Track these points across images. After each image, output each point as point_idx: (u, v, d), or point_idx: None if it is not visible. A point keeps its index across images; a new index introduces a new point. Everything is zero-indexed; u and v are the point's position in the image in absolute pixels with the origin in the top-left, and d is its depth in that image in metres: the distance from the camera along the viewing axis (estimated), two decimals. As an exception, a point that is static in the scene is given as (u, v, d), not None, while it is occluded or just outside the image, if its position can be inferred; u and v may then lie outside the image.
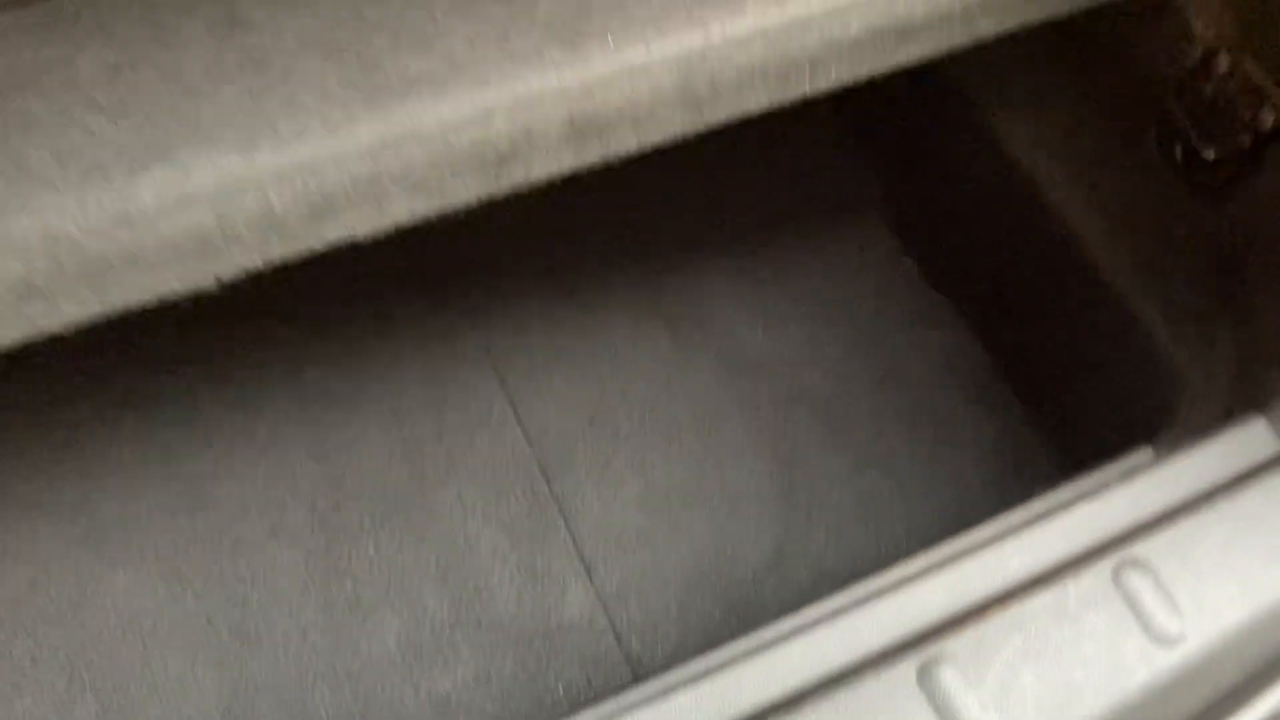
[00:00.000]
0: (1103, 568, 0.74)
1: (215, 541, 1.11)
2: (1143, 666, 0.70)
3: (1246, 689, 0.72)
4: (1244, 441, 0.83)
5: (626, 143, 0.77)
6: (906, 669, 0.68)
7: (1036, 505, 0.84)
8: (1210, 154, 0.99)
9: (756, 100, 0.81)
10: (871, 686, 0.67)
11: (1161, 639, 0.71)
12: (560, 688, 1.07)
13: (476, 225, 1.31)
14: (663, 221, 1.35)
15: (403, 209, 0.72)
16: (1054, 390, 1.22)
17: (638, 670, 1.09)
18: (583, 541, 1.15)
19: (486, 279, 1.29)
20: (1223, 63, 1.00)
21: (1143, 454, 0.93)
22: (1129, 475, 0.83)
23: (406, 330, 1.25)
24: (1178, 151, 1.02)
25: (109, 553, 1.09)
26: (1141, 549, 0.75)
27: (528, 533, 1.15)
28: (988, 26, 0.86)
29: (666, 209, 1.36)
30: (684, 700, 0.67)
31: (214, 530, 1.12)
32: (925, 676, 0.68)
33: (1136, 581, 0.74)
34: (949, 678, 0.68)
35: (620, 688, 0.76)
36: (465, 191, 0.73)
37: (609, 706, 0.71)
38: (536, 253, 1.30)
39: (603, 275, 1.30)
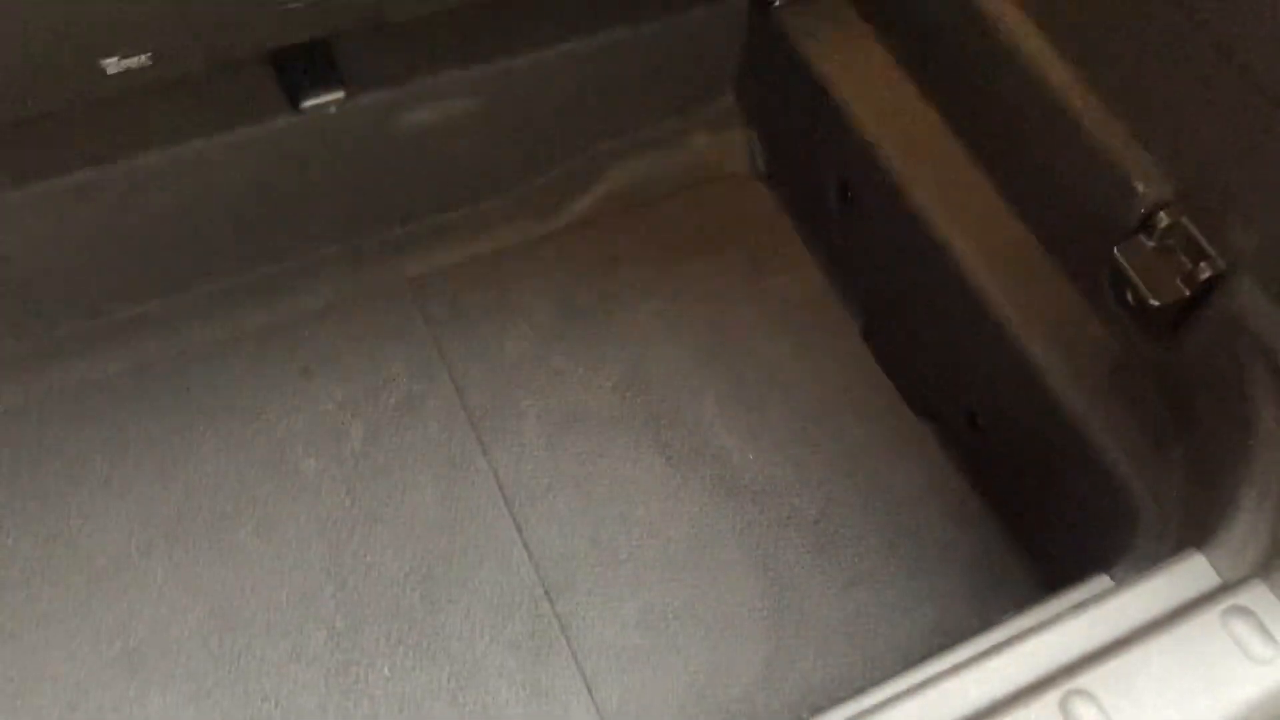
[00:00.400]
0: (1051, 698, 0.81)
1: (242, 663, 1.19)
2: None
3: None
4: (1184, 576, 0.91)
5: None
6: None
7: (998, 633, 0.91)
8: (1154, 301, 1.08)
9: None
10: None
11: (1103, 764, 0.78)
12: (563, 802, 1.14)
13: (487, 357, 1.41)
14: (659, 352, 1.45)
15: None
16: (1026, 513, 1.29)
17: (636, 784, 1.16)
18: (584, 660, 1.22)
19: (494, 410, 1.38)
20: (1163, 220, 1.10)
21: (1100, 581, 1.00)
22: (1081, 606, 0.90)
23: (420, 457, 1.34)
24: (1128, 295, 1.12)
25: (144, 675, 1.17)
26: (1087, 679, 0.82)
27: (532, 652, 1.23)
28: None
29: (663, 342, 1.45)
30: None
31: (240, 652, 1.20)
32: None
33: (1081, 710, 0.81)
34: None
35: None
36: None
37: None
38: (538, 383, 1.40)
39: (602, 404, 1.40)
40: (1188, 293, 1.07)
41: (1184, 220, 1.08)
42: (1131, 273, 1.10)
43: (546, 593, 1.26)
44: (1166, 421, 1.13)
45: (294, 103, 1.32)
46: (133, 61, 1.21)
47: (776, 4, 1.47)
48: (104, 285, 1.38)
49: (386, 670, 1.20)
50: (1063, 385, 1.19)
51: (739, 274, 1.53)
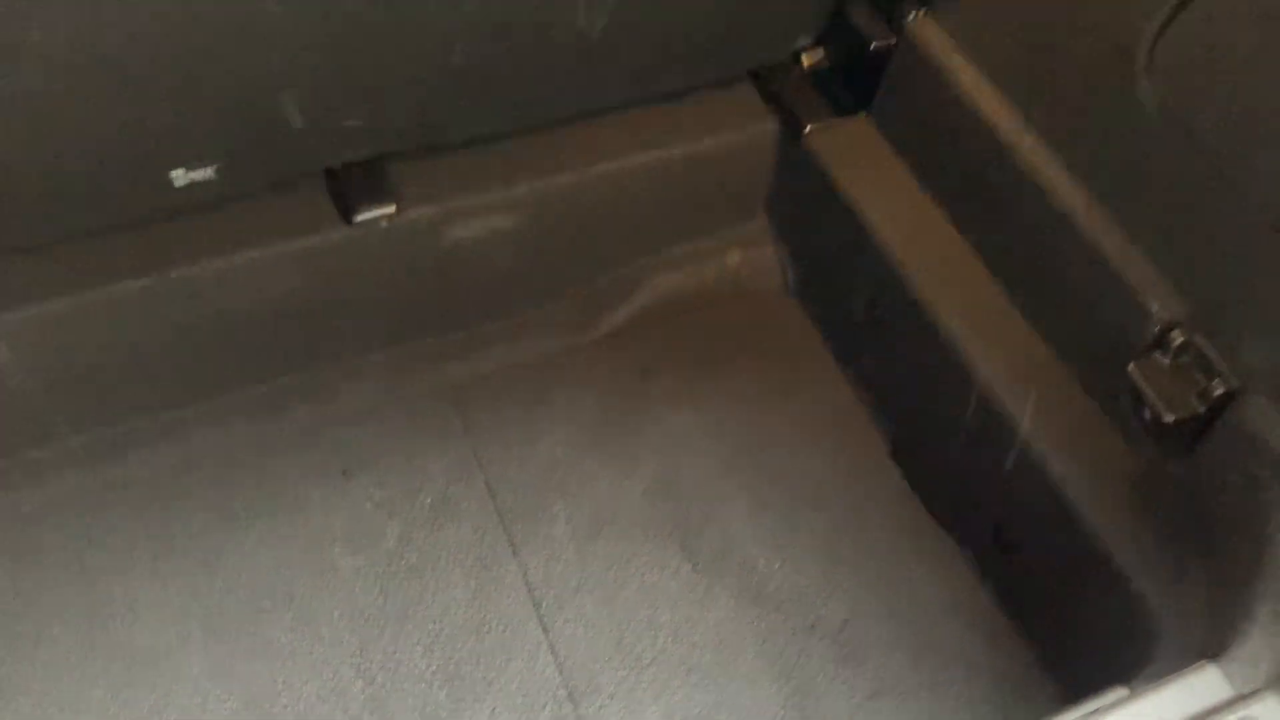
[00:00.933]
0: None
1: (271, 757, 1.21)
2: None
3: None
4: (1198, 687, 0.91)
5: None
6: None
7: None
8: (1169, 417, 1.10)
9: None
10: None
11: None
12: None
13: (522, 461, 1.46)
14: (690, 460, 1.48)
15: None
16: (1049, 628, 1.30)
17: None
18: (606, 763, 1.23)
19: (526, 512, 1.42)
20: (1177, 338, 1.13)
21: (1118, 693, 1.01)
22: (1095, 714, 0.91)
23: (452, 557, 1.38)
24: (1145, 412, 1.14)
25: (174, 764, 1.19)
26: (1098, 787, 0.83)
27: (555, 753, 1.24)
28: None
29: (694, 451, 1.49)
30: None
31: (270, 746, 1.23)
32: None
33: (1093, 818, 0.81)
34: None
35: None
36: None
37: None
38: (570, 487, 1.44)
39: (632, 509, 1.43)
40: (1202, 409, 1.10)
41: (1197, 338, 1.11)
42: (1147, 389, 1.12)
43: (570, 695, 1.28)
44: (1186, 536, 1.14)
45: (346, 217, 1.40)
46: (199, 174, 1.30)
47: (807, 130, 1.55)
48: (158, 385, 1.44)
49: (410, 766, 1.21)
50: (1083, 501, 1.21)
51: (769, 387, 1.57)
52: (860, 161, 1.52)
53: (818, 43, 1.56)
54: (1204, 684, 0.91)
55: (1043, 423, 1.26)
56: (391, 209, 1.42)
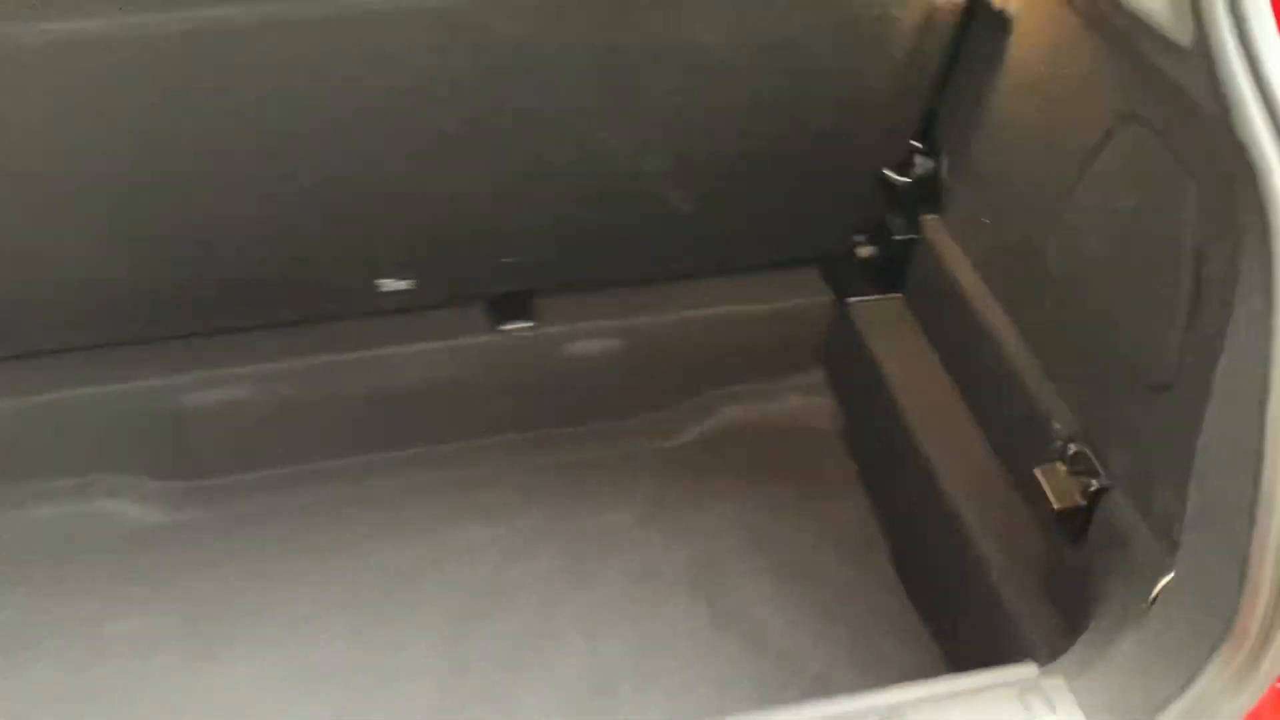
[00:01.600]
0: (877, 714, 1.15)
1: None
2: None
3: None
4: (1015, 672, 1.23)
5: None
6: None
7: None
8: (1057, 506, 1.44)
9: None
10: None
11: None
12: None
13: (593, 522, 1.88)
14: (727, 540, 1.87)
15: None
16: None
17: None
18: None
19: (583, 561, 1.84)
20: (1072, 449, 1.48)
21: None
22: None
23: (531, 584, 1.80)
24: (1048, 505, 1.48)
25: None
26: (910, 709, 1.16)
27: None
28: None
29: (732, 532, 1.89)
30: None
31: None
32: None
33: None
34: None
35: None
36: None
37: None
38: (625, 545, 1.85)
39: (671, 568, 1.83)
40: (1083, 502, 1.44)
41: (1085, 449, 1.46)
42: (1045, 486, 1.47)
43: (596, 686, 1.66)
44: (1080, 611, 1.45)
45: (495, 326, 1.93)
46: (400, 284, 1.87)
47: (850, 303, 1.99)
48: (344, 435, 1.97)
49: None
50: (1005, 585, 1.54)
51: (803, 496, 1.96)
52: (889, 331, 1.95)
53: (870, 241, 2.04)
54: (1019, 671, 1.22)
55: (985, 523, 1.60)
56: (530, 324, 1.94)
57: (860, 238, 2.03)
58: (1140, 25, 1.16)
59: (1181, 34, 1.10)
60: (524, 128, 1.65)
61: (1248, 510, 1.05)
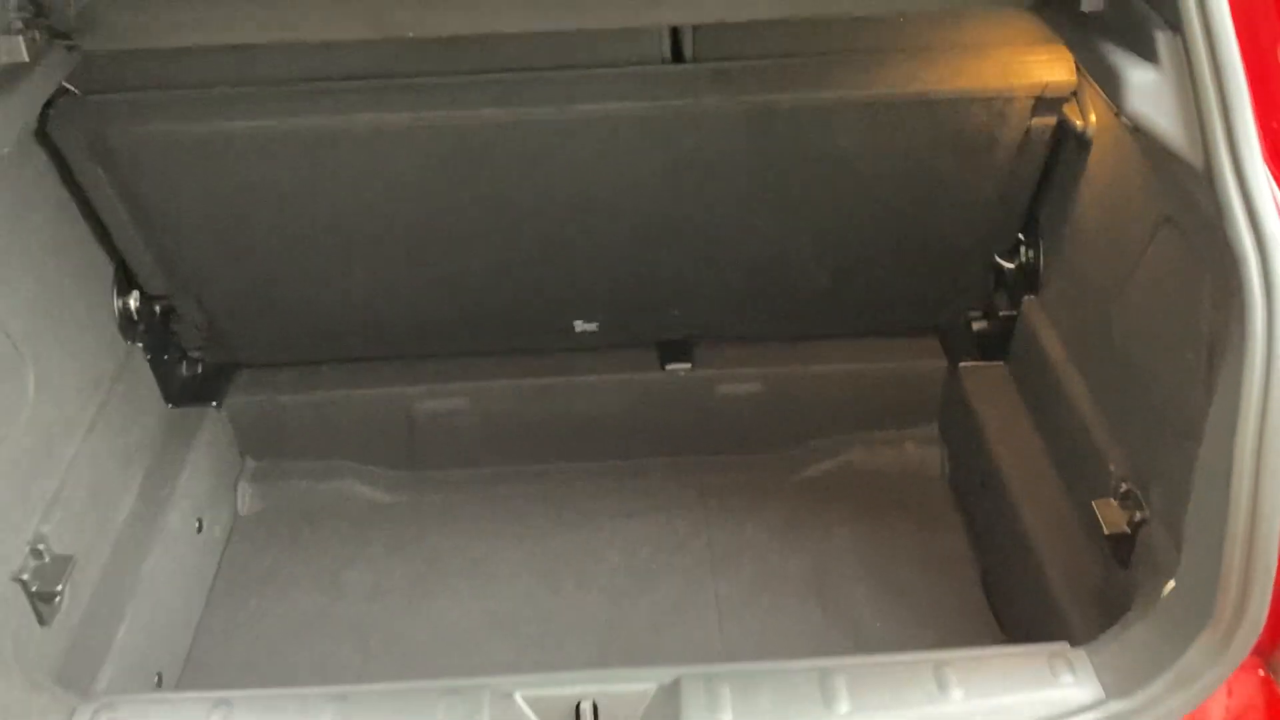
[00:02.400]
0: (927, 666, 1.51)
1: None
2: None
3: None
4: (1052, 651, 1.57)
5: None
6: None
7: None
8: (1106, 531, 1.77)
9: None
10: None
11: None
12: None
13: (734, 533, 2.29)
14: (839, 558, 2.24)
15: None
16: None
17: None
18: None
19: (727, 559, 2.24)
20: (1123, 487, 1.80)
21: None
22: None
23: (674, 568, 2.22)
24: (1102, 533, 1.80)
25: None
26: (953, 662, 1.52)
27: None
28: None
29: (843, 553, 2.25)
30: None
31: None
32: None
33: (948, 672, 1.50)
34: None
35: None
36: None
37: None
38: (753, 555, 2.25)
39: (796, 575, 2.21)
40: (1128, 530, 1.76)
41: (1134, 487, 1.79)
42: (1100, 516, 1.80)
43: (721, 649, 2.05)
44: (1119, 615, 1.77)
45: (662, 366, 2.38)
46: (590, 325, 2.34)
47: (960, 367, 2.36)
48: (530, 446, 2.44)
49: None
50: (1063, 596, 1.86)
51: (911, 528, 2.31)
52: (992, 393, 2.30)
53: (982, 314, 2.40)
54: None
55: (1055, 550, 1.94)
56: (688, 366, 2.38)
57: (974, 313, 2.40)
58: (1170, 152, 1.53)
59: (1195, 159, 1.46)
60: (697, 214, 2.11)
61: (1222, 522, 1.38)
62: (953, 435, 2.43)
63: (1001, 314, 2.31)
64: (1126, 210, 1.82)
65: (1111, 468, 1.85)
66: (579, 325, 2.35)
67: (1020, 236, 2.23)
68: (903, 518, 2.34)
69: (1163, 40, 1.47)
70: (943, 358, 2.42)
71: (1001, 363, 2.35)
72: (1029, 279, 2.24)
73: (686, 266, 2.24)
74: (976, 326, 2.40)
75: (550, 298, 2.30)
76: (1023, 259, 2.24)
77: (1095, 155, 1.92)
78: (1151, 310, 1.75)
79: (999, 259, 2.27)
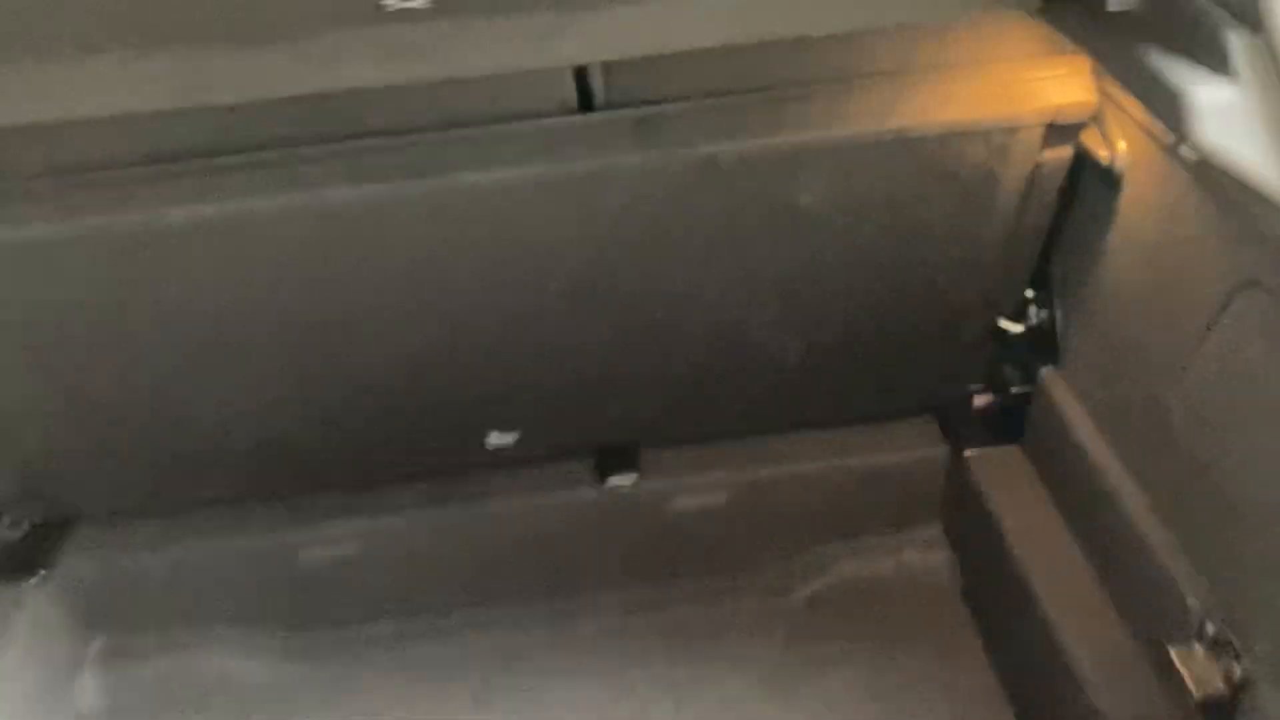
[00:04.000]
0: None
1: None
2: None
3: None
4: None
5: None
6: None
7: None
8: (1197, 695, 1.33)
9: None
10: None
11: None
12: None
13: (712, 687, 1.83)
14: (845, 710, 1.79)
15: None
16: None
17: None
18: None
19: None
20: (1210, 628, 1.37)
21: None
22: None
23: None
24: (1187, 689, 1.37)
25: None
26: None
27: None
28: None
29: (851, 703, 1.80)
30: None
31: None
32: None
33: None
34: None
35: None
36: None
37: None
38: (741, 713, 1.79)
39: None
40: (1227, 692, 1.32)
41: (1226, 631, 1.36)
42: (1183, 670, 1.36)
43: None
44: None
45: (601, 480, 1.92)
46: (507, 437, 1.88)
47: (967, 454, 1.92)
48: (434, 596, 1.97)
49: None
50: None
51: (926, 661, 1.86)
52: (1008, 484, 1.86)
53: (986, 389, 1.97)
54: None
55: (1118, 698, 1.50)
56: (634, 478, 1.92)
57: (976, 386, 1.97)
58: (1253, 193, 1.10)
59: (1298, 203, 1.05)
60: (632, 290, 1.66)
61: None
62: (962, 536, 1.99)
63: (1013, 389, 1.88)
64: (1181, 268, 1.39)
65: (1190, 602, 1.41)
66: (494, 438, 1.89)
67: (1029, 294, 1.81)
68: (915, 648, 1.89)
69: (1237, 44, 1.05)
70: (943, 443, 1.98)
71: (1015, 446, 1.92)
72: (1044, 346, 1.81)
73: (624, 354, 1.78)
74: (979, 403, 1.97)
75: (456, 407, 1.83)
76: (1034, 321, 1.81)
77: (1130, 194, 1.50)
78: (1230, 397, 1.33)
79: (1004, 322, 1.84)
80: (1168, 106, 1.10)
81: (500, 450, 1.90)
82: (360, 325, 1.66)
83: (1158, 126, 1.37)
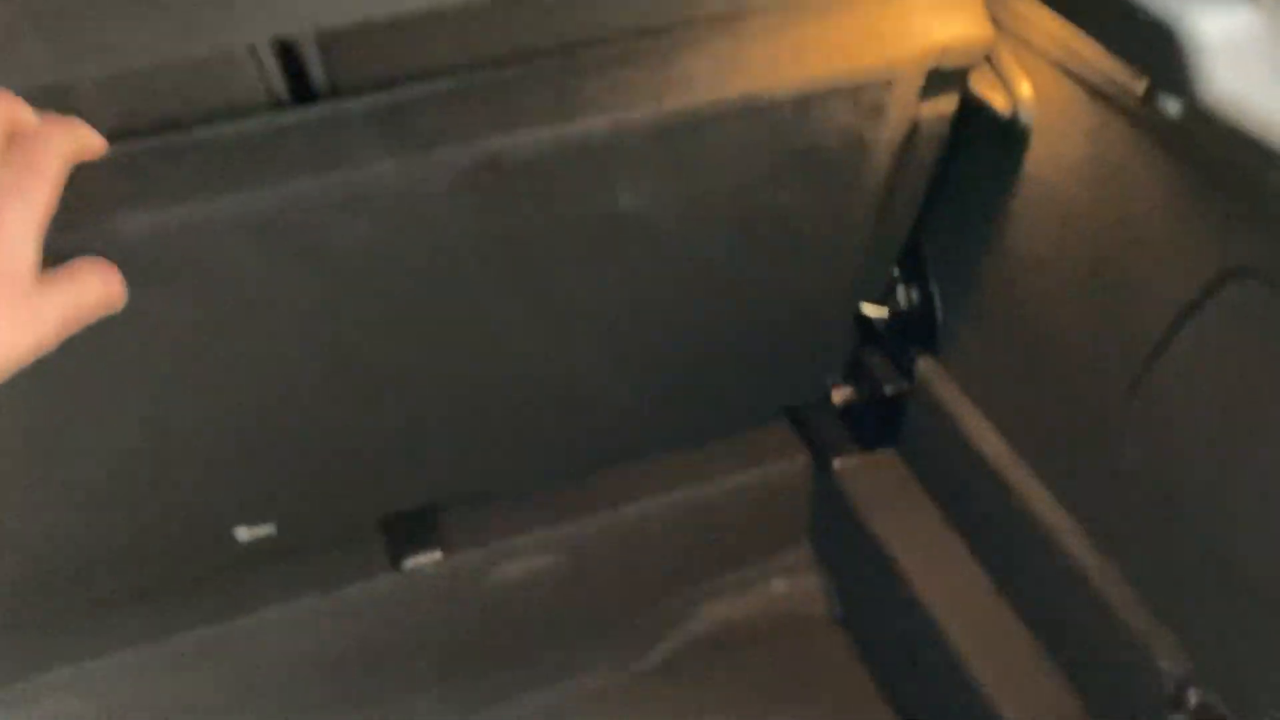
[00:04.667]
0: None
1: None
2: None
3: None
4: None
5: None
6: None
7: None
8: (1191, 785, 1.06)
9: None
10: None
11: None
12: None
13: None
14: None
15: None
16: None
17: None
18: None
19: None
20: (1191, 696, 1.10)
21: None
22: None
23: None
24: (1170, 775, 1.10)
25: None
26: None
27: None
28: None
29: None
30: None
31: None
32: None
33: None
34: None
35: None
36: None
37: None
38: None
39: None
40: (1227, 778, 1.06)
41: (1213, 700, 1.08)
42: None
43: None
44: None
45: (396, 564, 1.49)
46: (260, 530, 1.42)
47: (836, 464, 1.60)
48: None
49: None
50: None
51: (807, 714, 1.55)
52: (886, 494, 1.56)
53: (846, 380, 1.64)
54: None
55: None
56: (438, 555, 1.50)
57: (834, 378, 1.64)
58: (1255, 160, 0.79)
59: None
60: (405, 325, 1.22)
61: None
62: (837, 557, 1.68)
63: (883, 384, 1.55)
64: (1134, 249, 1.08)
65: (1162, 664, 1.13)
66: (243, 533, 1.42)
67: (895, 273, 1.48)
68: (792, 693, 1.57)
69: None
70: (804, 451, 1.65)
71: (892, 450, 1.61)
72: (918, 334, 1.49)
73: (403, 403, 1.34)
74: (839, 399, 1.64)
75: (192, 500, 1.36)
76: (903, 306, 1.49)
77: (1040, 152, 1.17)
78: (1204, 411, 1.03)
79: (867, 308, 1.51)
80: (1145, 45, 0.77)
81: (256, 545, 1.44)
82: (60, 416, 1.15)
83: (1094, 66, 1.04)
